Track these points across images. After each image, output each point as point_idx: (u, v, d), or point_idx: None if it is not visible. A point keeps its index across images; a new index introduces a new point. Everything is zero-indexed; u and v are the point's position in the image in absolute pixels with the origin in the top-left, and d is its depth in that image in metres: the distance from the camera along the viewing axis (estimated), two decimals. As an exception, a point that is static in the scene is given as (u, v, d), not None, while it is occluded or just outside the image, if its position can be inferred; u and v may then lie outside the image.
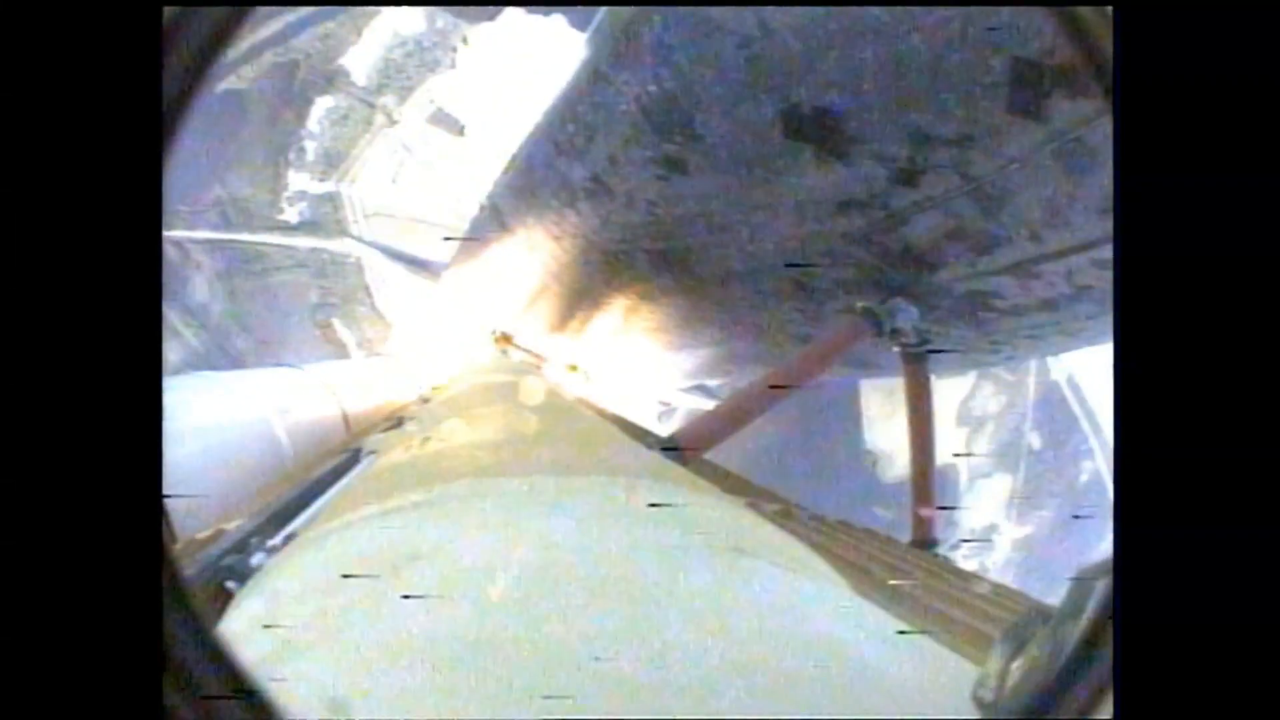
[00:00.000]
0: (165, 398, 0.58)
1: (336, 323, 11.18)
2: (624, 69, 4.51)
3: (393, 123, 10.64)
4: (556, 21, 10.51)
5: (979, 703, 0.69)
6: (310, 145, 10.52)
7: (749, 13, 3.63)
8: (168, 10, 0.57)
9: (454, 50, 10.49)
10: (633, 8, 4.33)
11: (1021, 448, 14.46)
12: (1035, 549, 14.72)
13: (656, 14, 4.07)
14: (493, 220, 8.00)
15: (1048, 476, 14.56)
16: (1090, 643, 0.61)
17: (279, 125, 10.52)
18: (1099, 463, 14.34)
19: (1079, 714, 0.60)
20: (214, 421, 3.84)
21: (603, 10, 4.94)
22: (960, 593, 2.37)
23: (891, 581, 2.32)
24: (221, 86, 9.72)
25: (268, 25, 10.00)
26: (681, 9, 3.91)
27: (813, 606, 1.18)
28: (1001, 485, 14.51)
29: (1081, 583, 0.66)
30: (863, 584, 1.97)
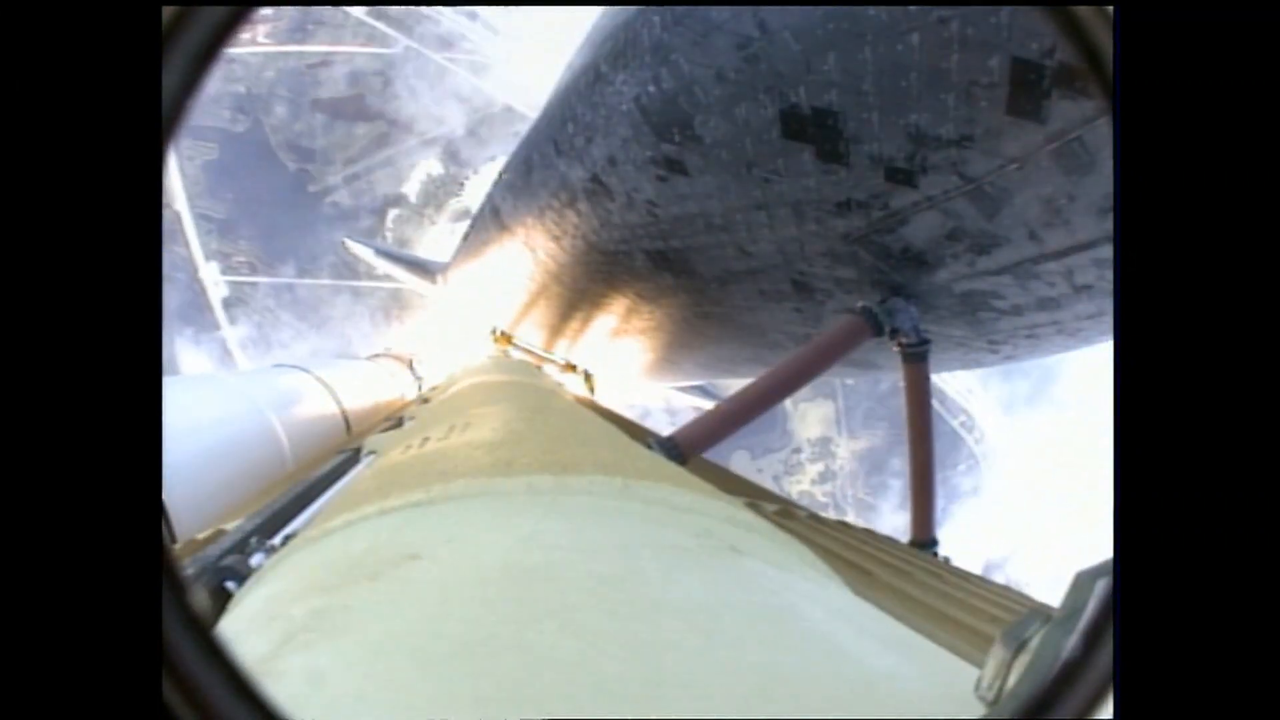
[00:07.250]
0: (165, 397, 0.58)
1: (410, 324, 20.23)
2: (624, 69, 4.51)
3: (433, 223, 21.27)
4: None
5: (980, 702, 0.69)
6: (389, 235, 21.04)
7: (748, 13, 3.63)
8: (168, 10, 0.57)
9: (461, 184, 21.32)
10: (633, 8, 4.33)
11: (834, 384, 19.64)
12: (876, 459, 21.02)
13: (656, 14, 4.06)
14: (493, 220, 8.00)
15: (867, 403, 20.83)
16: (1090, 643, 0.61)
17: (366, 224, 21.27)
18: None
19: (1079, 714, 0.60)
20: (214, 421, 3.84)
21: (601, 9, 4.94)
22: (960, 593, 2.37)
23: (891, 582, 2.32)
24: (329, 200, 20.70)
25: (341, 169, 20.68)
26: (681, 9, 3.91)
27: (812, 607, 1.18)
28: (825, 410, 21.22)
29: (1081, 583, 0.66)
30: (862, 584, 1.97)
